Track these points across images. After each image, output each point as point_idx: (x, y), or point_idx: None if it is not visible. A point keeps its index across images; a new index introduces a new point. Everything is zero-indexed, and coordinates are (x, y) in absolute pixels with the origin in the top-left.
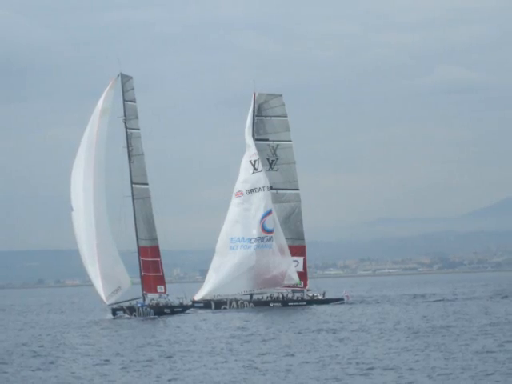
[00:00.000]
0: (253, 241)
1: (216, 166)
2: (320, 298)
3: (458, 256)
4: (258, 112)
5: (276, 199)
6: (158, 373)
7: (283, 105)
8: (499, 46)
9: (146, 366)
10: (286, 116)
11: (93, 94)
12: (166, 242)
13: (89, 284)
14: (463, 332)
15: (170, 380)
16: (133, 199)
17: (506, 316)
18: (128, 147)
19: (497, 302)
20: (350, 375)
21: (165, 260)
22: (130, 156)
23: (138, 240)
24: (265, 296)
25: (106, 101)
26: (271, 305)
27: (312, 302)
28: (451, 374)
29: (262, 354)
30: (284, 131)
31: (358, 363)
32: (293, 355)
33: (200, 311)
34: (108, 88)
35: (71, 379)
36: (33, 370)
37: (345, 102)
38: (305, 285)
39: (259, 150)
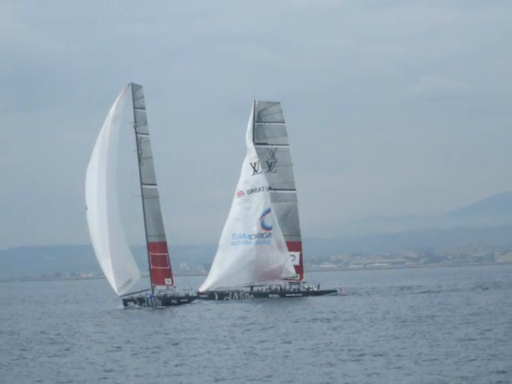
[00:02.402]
0: (253, 237)
1: (219, 168)
2: (315, 289)
3: (442, 251)
4: (258, 118)
5: (274, 199)
6: (166, 358)
7: (281, 111)
8: (480, 57)
9: (155, 352)
10: (283, 122)
11: (105, 102)
12: (173, 238)
13: (102, 277)
14: (447, 321)
15: (176, 365)
16: (142, 198)
17: (486, 306)
18: (138, 151)
19: (478, 294)
20: (342, 361)
21: (172, 255)
22: (139, 159)
23: (147, 236)
24: (264, 288)
25: (117, 108)
26: (270, 296)
27: (307, 293)
28: (436, 359)
29: (262, 342)
30: (282, 136)
31: (350, 350)
32: (290, 342)
33: (204, 302)
34: (120, 96)
35: (85, 364)
36: (50, 356)
37: (339, 108)
38: (301, 277)
39: (259, 153)
